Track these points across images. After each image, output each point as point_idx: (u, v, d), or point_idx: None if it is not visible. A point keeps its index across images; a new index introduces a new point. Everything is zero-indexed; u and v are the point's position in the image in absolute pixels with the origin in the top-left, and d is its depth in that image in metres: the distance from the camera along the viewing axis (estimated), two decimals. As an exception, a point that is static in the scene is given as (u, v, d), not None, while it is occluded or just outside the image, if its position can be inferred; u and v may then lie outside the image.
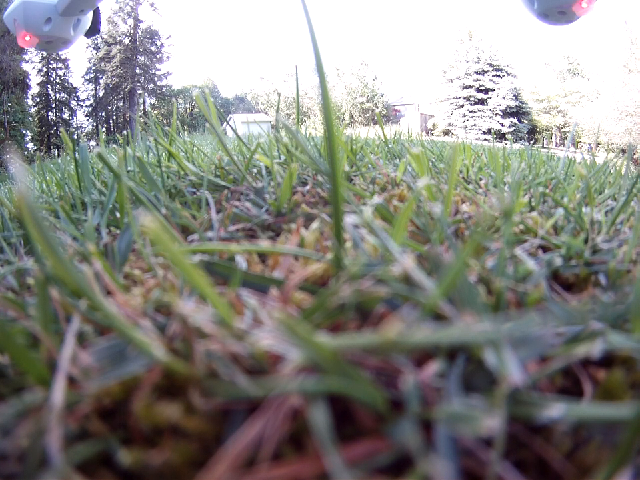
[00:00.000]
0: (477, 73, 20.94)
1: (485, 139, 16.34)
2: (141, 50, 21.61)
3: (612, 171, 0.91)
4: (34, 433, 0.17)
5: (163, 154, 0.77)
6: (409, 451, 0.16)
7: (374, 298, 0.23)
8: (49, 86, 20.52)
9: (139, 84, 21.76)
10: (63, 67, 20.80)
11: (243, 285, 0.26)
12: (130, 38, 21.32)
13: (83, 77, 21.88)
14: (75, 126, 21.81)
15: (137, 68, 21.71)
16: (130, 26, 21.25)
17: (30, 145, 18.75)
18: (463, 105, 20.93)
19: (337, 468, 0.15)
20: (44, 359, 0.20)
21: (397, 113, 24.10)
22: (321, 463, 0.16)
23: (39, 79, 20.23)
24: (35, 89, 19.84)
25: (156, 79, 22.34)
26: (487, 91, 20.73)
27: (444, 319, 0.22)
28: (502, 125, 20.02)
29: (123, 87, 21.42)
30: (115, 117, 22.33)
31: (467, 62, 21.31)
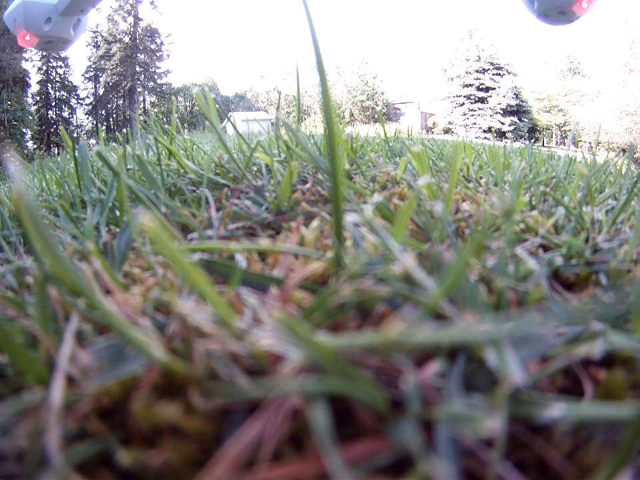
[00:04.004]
0: (477, 71, 20.90)
1: (485, 138, 16.33)
2: (140, 48, 21.56)
3: (612, 170, 0.91)
4: (33, 433, 0.17)
5: (163, 152, 0.77)
6: (409, 451, 0.16)
7: (374, 297, 0.23)
8: (48, 84, 20.48)
9: (138, 82, 21.72)
10: (62, 65, 20.77)
11: (242, 283, 0.26)
12: (130, 36, 21.28)
13: (82, 75, 21.84)
14: (75, 124, 21.78)
15: (137, 66, 21.66)
16: (130, 24, 21.20)
17: (30, 144, 18.73)
18: (463, 104, 20.89)
19: (337, 468, 0.15)
20: (43, 359, 0.20)
21: (397, 111, 24.06)
22: (321, 463, 0.16)
23: (39, 77, 20.20)
24: (34, 87, 19.81)
25: (156, 77, 22.30)
26: (487, 89, 20.70)
27: (445, 319, 0.22)
28: (502, 124, 19.99)
29: (123, 85, 21.39)
30: (114, 115, 22.30)
31: (468, 60, 21.27)
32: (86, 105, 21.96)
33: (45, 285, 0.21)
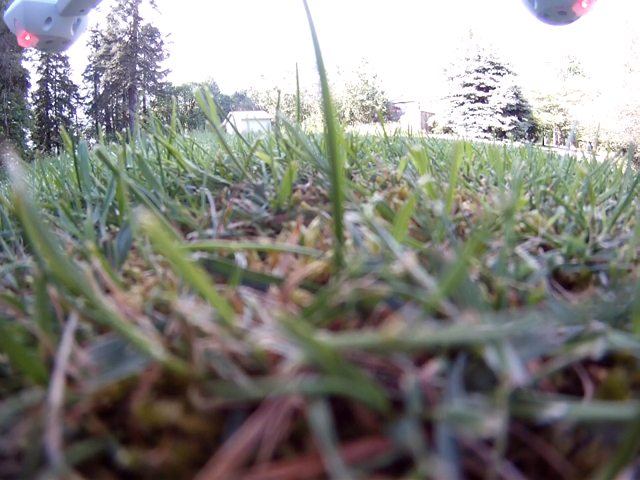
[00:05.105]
0: (477, 71, 20.89)
1: (486, 137, 16.31)
2: (140, 47, 21.55)
3: (612, 170, 0.91)
4: (32, 432, 0.17)
5: (163, 151, 0.77)
6: (409, 451, 0.16)
7: (374, 297, 0.23)
8: (48, 84, 20.47)
9: (138, 81, 21.71)
10: (62, 64, 20.75)
11: (242, 283, 0.26)
12: (130, 35, 21.26)
13: (82, 74, 21.82)
14: (75, 124, 21.76)
15: (137, 65, 21.64)
16: (130, 23, 21.18)
17: (30, 143, 18.71)
18: (463, 103, 20.88)
19: (337, 468, 0.15)
20: (42, 358, 0.20)
21: (398, 111, 24.05)
22: (321, 463, 0.16)
23: (39, 76, 20.18)
24: (34, 87, 19.79)
25: (156, 76, 22.29)
26: (487, 89, 20.68)
27: (445, 318, 0.22)
28: (502, 123, 19.98)
29: (123, 84, 21.37)
30: (114, 115, 22.28)
31: (468, 60, 21.25)
32: (86, 104, 21.94)
33: (44, 285, 0.20)
